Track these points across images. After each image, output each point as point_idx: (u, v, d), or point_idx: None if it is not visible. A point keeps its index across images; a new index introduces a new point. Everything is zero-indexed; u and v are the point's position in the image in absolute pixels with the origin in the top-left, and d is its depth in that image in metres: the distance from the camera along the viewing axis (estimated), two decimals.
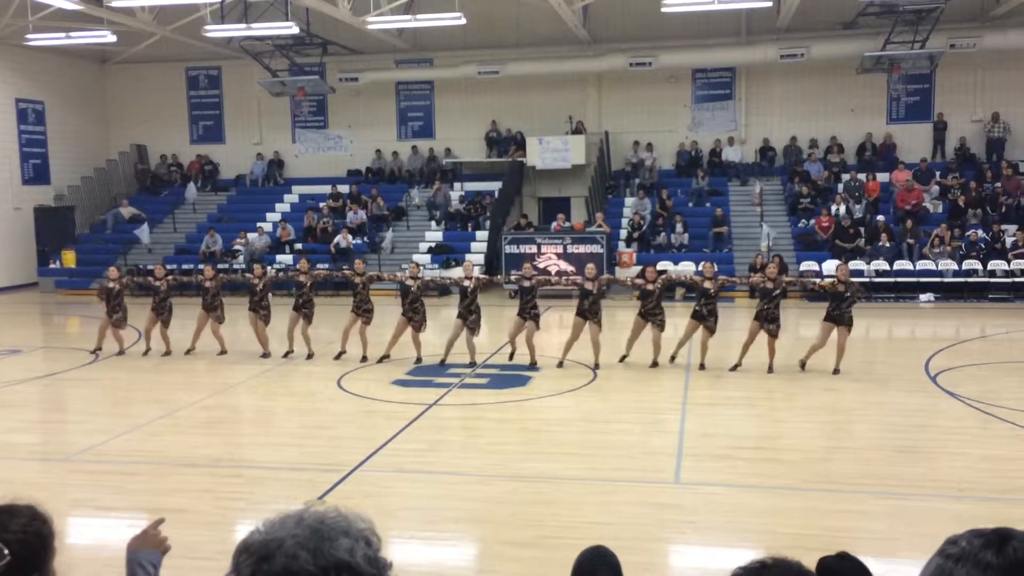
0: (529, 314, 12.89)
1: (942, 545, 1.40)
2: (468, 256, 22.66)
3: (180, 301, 15.71)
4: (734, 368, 12.26)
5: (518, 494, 7.58)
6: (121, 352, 14.32)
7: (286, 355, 13.87)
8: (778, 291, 12.10)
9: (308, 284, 13.90)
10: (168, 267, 18.72)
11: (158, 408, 10.84)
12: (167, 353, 14.22)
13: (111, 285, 14.24)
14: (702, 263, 13.71)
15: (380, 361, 13.28)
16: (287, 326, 13.95)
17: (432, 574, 6.08)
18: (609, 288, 14.37)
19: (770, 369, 12.06)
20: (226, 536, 6.55)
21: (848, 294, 11.84)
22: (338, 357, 13.57)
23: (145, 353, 14.24)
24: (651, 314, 12.50)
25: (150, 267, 22.89)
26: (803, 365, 12.20)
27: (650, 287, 12.48)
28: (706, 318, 12.37)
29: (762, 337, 12.17)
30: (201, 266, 15.88)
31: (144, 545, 2.43)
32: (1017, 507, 7.08)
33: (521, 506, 7.26)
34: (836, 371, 11.96)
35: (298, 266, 14.77)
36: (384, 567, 1.24)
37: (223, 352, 14.12)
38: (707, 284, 12.49)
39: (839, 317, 11.85)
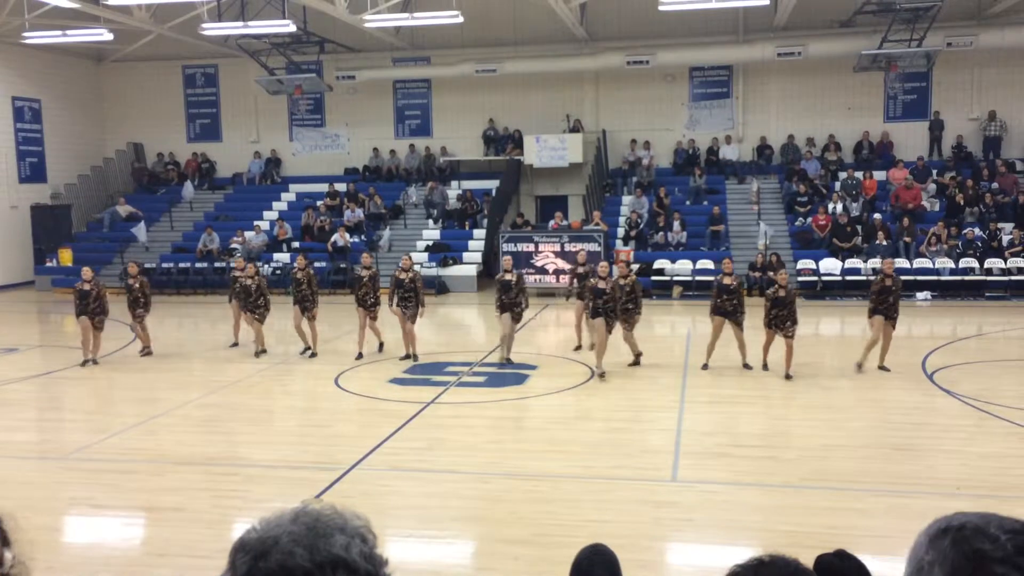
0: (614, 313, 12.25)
1: None
2: (466, 254, 22.70)
3: (159, 299, 15.68)
4: (765, 367, 12.09)
5: (515, 492, 7.58)
6: (92, 360, 13.41)
7: (310, 353, 13.75)
8: (789, 299, 11.76)
9: (305, 281, 13.82)
10: (165, 264, 18.51)
11: (154, 407, 10.83)
12: (147, 351, 14.01)
13: (86, 287, 13.41)
14: (723, 260, 13.40)
15: (404, 358, 13.27)
16: (293, 323, 13.88)
17: (429, 572, 6.08)
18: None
19: (787, 375, 11.66)
20: (223, 534, 6.55)
21: (895, 287, 11.84)
22: (359, 358, 13.45)
23: (143, 352, 14.07)
24: (609, 311, 11.99)
25: (148, 265, 22.97)
26: (860, 366, 12.00)
27: (602, 284, 12.09)
28: (731, 314, 12.22)
29: (774, 340, 12.09)
30: (234, 263, 15.40)
31: None
32: (1014, 505, 7.09)
33: (518, 504, 7.26)
34: (883, 367, 11.97)
35: (295, 263, 14.76)
36: (380, 564, 1.24)
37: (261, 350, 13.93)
38: (727, 280, 12.35)
39: (888, 311, 11.81)
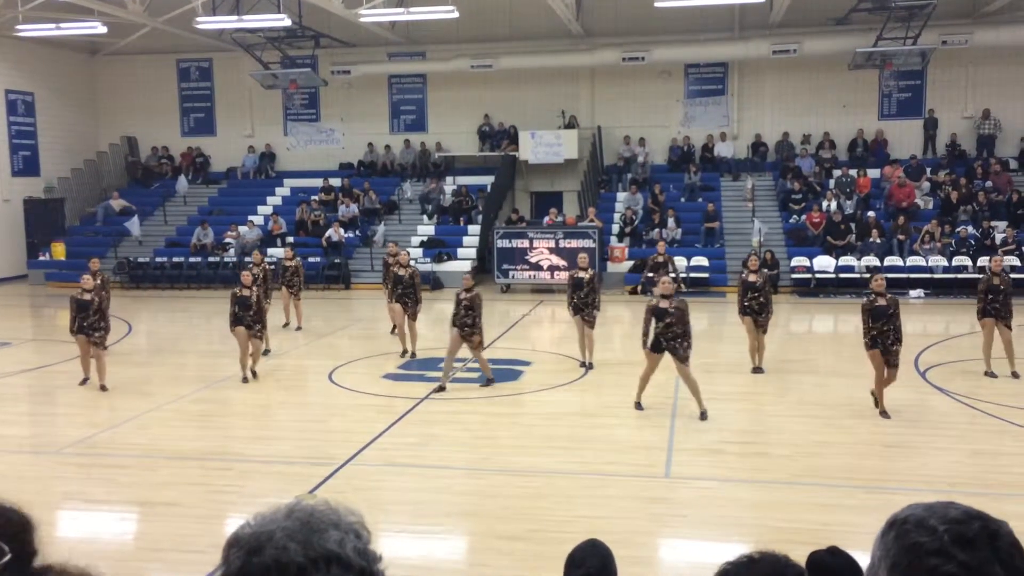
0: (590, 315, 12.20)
1: None
2: (460, 250, 22.68)
3: (154, 294, 15.58)
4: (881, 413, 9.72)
5: (509, 488, 7.59)
6: (101, 387, 11.47)
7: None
8: (892, 309, 9.55)
9: (260, 276, 13.55)
10: (159, 259, 17.97)
11: (148, 401, 10.81)
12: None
13: (85, 298, 11.33)
14: (750, 256, 12.73)
15: (402, 355, 13.22)
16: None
17: (423, 567, 6.08)
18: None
19: (881, 411, 9.76)
20: (217, 529, 6.55)
21: (1003, 286, 11.22)
22: (404, 354, 13.25)
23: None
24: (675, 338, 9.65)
25: (142, 259, 22.91)
26: (1014, 373, 11.38)
27: (664, 304, 9.71)
28: (757, 313, 11.70)
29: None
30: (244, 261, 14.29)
31: None
32: (1006, 502, 7.12)
33: (512, 500, 7.28)
34: (1015, 374, 11.33)
35: (252, 258, 14.38)
36: (373, 559, 1.24)
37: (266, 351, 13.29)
38: (752, 277, 11.84)
39: (999, 311, 11.14)
